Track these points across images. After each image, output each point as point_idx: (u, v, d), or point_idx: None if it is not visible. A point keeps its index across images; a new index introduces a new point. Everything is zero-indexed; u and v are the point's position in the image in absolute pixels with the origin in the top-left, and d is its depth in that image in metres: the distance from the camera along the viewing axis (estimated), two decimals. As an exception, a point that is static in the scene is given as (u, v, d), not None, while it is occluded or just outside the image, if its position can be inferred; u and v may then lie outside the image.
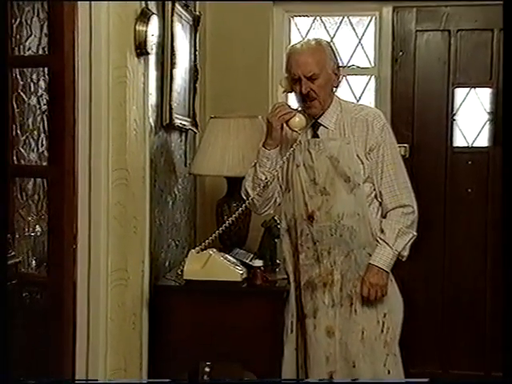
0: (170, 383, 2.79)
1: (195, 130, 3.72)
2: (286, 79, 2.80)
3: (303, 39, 2.95)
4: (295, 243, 2.86)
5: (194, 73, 3.67)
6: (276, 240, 3.29)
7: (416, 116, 4.20)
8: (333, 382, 2.77)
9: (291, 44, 3.00)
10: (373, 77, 4.29)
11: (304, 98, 2.75)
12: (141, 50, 2.69)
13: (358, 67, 4.31)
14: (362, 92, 4.32)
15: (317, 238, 2.79)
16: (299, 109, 2.83)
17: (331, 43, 2.92)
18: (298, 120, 2.74)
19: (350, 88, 4.31)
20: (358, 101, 4.30)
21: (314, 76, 2.70)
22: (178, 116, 3.30)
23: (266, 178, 2.79)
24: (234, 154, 3.30)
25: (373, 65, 4.29)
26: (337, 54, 2.86)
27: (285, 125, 2.75)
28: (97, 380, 2.52)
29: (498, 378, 3.14)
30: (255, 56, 4.03)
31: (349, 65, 4.28)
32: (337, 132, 2.79)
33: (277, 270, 3.24)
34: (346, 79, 4.27)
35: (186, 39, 3.49)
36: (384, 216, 2.79)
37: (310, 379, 2.81)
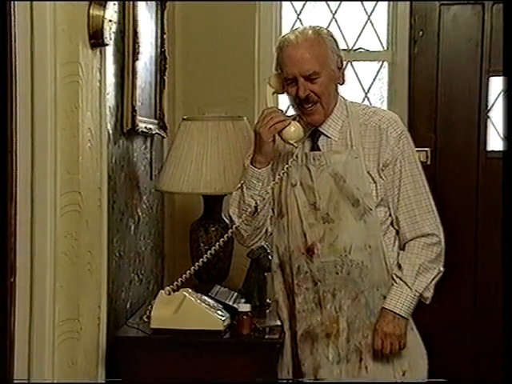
0: None
1: (163, 134, 3.73)
2: (275, 77, 2.80)
3: (295, 28, 2.95)
4: (291, 283, 2.87)
5: (162, 62, 3.68)
6: (266, 274, 3.31)
7: (439, 112, 4.25)
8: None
9: (283, 34, 2.98)
10: (385, 63, 4.34)
11: (302, 102, 2.76)
12: (96, 40, 2.69)
13: (367, 51, 4.36)
14: (372, 82, 4.37)
15: (318, 276, 2.80)
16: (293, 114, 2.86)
17: (334, 27, 2.93)
18: (294, 129, 2.74)
19: (357, 77, 4.35)
20: (366, 93, 4.36)
21: (315, 75, 2.71)
22: (141, 118, 3.30)
23: (256, 204, 2.79)
24: (212, 166, 3.33)
25: (385, 48, 4.34)
26: (339, 44, 2.84)
27: (277, 136, 2.75)
28: None
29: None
30: (238, 39, 4.06)
31: (355, 48, 4.33)
32: (342, 143, 2.81)
33: (267, 311, 3.26)
34: (352, 66, 4.31)
35: (151, 20, 3.50)
36: (402, 248, 2.82)
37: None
